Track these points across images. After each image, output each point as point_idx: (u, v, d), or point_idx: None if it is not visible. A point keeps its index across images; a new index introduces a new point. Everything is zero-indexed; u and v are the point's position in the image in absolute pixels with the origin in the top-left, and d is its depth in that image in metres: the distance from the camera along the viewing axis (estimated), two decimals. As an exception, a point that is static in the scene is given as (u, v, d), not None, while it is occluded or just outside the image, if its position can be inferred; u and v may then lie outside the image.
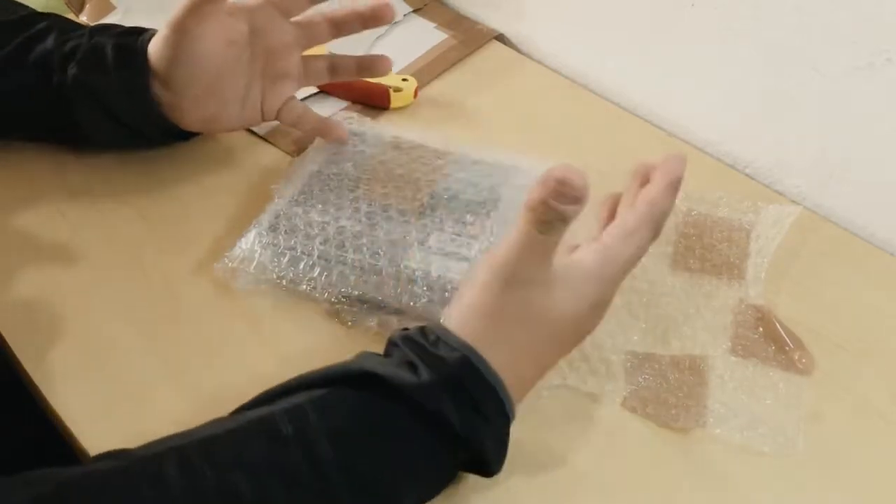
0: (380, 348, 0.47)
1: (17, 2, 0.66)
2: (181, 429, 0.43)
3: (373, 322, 0.55)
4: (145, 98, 0.58)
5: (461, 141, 0.65)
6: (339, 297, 0.56)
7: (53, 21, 0.62)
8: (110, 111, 0.59)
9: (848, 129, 0.61)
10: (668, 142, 0.71)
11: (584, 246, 0.48)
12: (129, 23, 0.62)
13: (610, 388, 0.52)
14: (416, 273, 0.55)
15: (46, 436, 0.51)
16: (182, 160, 0.66)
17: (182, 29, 0.56)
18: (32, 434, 0.54)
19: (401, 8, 0.82)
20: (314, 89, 0.73)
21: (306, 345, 0.55)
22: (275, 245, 0.57)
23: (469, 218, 0.58)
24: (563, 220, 0.42)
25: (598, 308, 0.48)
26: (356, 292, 0.55)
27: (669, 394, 0.52)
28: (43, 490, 0.38)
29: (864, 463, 0.50)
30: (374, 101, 0.72)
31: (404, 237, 0.57)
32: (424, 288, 0.54)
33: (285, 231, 0.58)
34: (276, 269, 0.56)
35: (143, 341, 0.55)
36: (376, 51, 0.75)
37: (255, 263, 0.56)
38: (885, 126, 0.59)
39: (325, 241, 0.57)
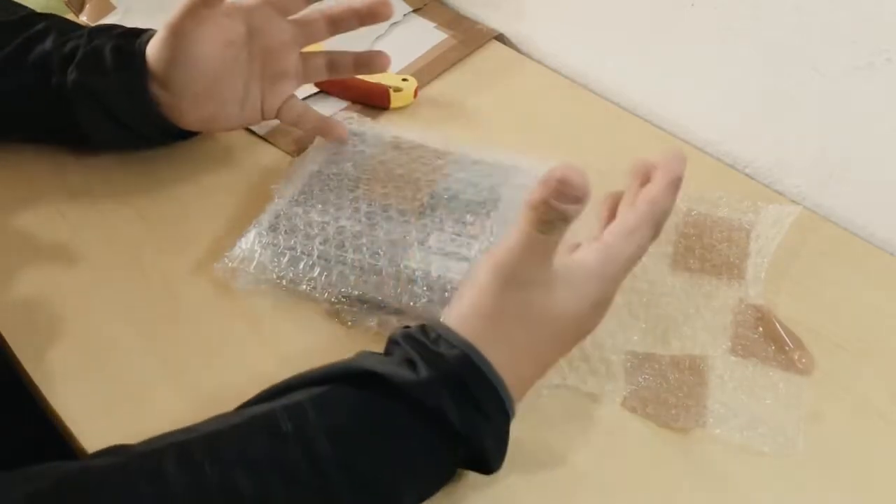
0: (380, 348, 0.47)
1: (16, 2, 0.66)
2: (181, 429, 0.43)
3: (373, 322, 0.55)
4: (144, 99, 0.58)
5: (461, 141, 0.65)
6: (339, 297, 0.56)
7: (53, 22, 0.62)
8: (110, 112, 0.59)
9: (848, 129, 0.61)
10: (668, 142, 0.71)
11: (585, 245, 0.48)
12: (128, 23, 0.62)
13: (610, 388, 0.52)
14: (416, 273, 0.55)
15: (46, 436, 0.51)
16: (182, 160, 0.66)
17: (179, 31, 0.56)
18: (32, 434, 0.54)
19: (401, 8, 0.82)
20: (314, 89, 0.73)
21: (306, 345, 0.55)
22: (275, 245, 0.57)
23: (469, 218, 0.58)
24: (565, 220, 0.42)
25: (599, 307, 0.48)
26: (356, 292, 0.55)
27: (669, 394, 0.52)
28: (41, 486, 0.38)
29: (864, 463, 0.50)
30: (374, 101, 0.72)
31: (404, 237, 0.57)
32: (424, 288, 0.54)
33: (285, 231, 0.58)
34: (276, 269, 0.56)
35: (143, 341, 0.55)
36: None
37: (254, 263, 0.56)
38: (885, 126, 0.59)
39: (325, 241, 0.57)
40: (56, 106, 0.59)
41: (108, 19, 0.79)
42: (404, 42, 0.79)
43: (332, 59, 0.64)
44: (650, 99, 0.73)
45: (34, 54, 0.59)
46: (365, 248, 0.56)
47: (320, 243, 0.57)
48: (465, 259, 0.55)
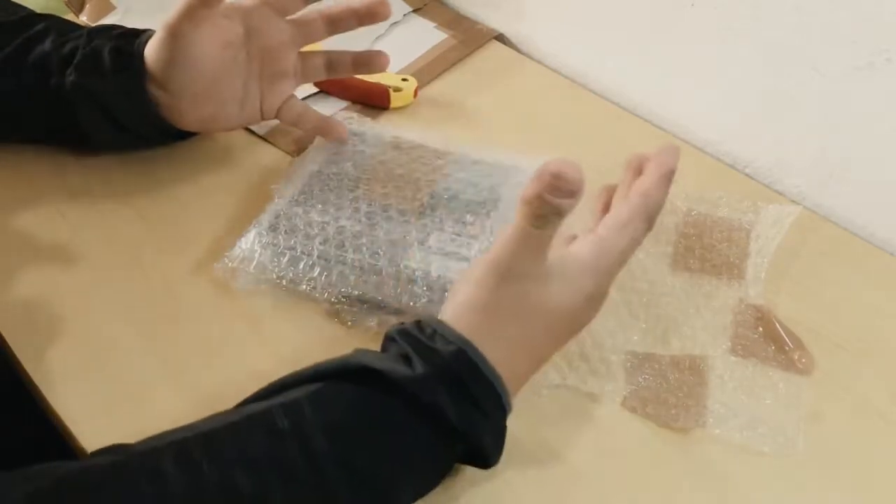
0: (379, 348, 0.47)
1: (16, 3, 0.66)
2: (181, 429, 0.43)
3: (373, 322, 0.55)
4: (142, 99, 0.58)
5: (461, 141, 0.65)
6: (339, 297, 0.56)
7: (52, 22, 0.62)
8: (108, 113, 0.59)
9: (848, 129, 0.61)
10: (668, 141, 0.70)
11: (579, 238, 0.48)
12: (128, 23, 0.62)
13: (610, 388, 0.52)
14: (416, 273, 0.55)
15: (46, 436, 0.51)
16: (182, 160, 0.66)
17: (177, 32, 0.56)
18: (32, 434, 0.54)
19: (401, 8, 0.82)
20: (314, 89, 0.73)
21: (306, 345, 0.55)
22: (275, 245, 0.57)
23: (469, 218, 0.58)
24: (559, 214, 0.42)
25: (594, 301, 0.48)
26: (356, 292, 0.55)
27: (669, 394, 0.52)
28: (41, 485, 0.38)
29: (864, 463, 0.50)
30: (374, 101, 0.72)
31: (404, 237, 0.57)
32: (424, 288, 0.54)
33: (285, 231, 0.58)
34: (276, 269, 0.56)
35: (143, 341, 0.55)
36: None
37: (254, 263, 0.56)
38: (885, 126, 0.59)
39: (324, 241, 0.57)
40: (56, 106, 0.59)
41: (108, 19, 0.79)
42: (404, 42, 0.79)
43: (331, 59, 0.64)
44: (650, 99, 0.73)
45: (34, 55, 0.59)
46: (365, 248, 0.56)
47: (320, 243, 0.57)
48: (465, 259, 0.55)
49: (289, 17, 0.61)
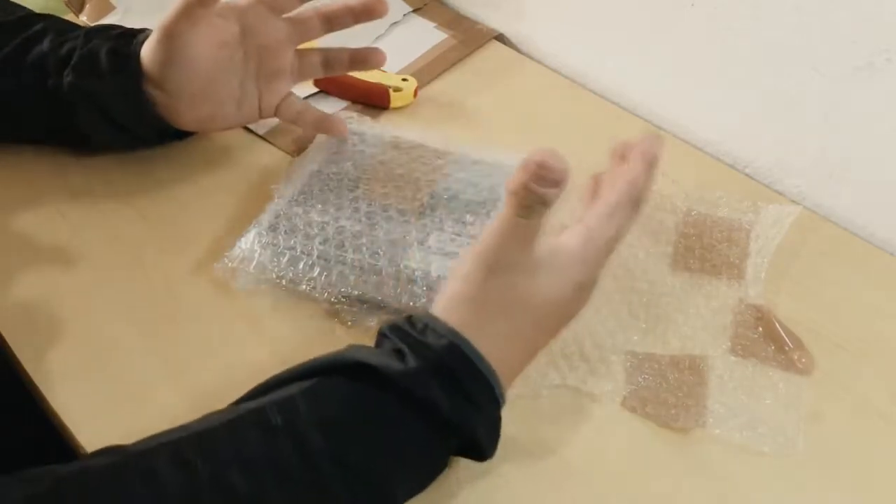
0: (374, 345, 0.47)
1: (15, 3, 0.66)
2: (181, 429, 0.43)
3: (373, 322, 0.55)
4: (139, 100, 0.58)
5: (461, 141, 0.65)
6: (339, 296, 0.56)
7: (50, 22, 0.62)
8: (106, 113, 0.59)
9: (848, 129, 0.61)
10: (668, 141, 0.70)
11: (568, 229, 0.48)
12: (128, 23, 0.62)
13: (610, 388, 0.52)
14: (416, 273, 0.55)
15: (46, 435, 0.51)
16: (182, 161, 0.66)
17: (173, 33, 0.56)
18: (32, 434, 0.54)
19: (401, 8, 0.82)
20: (314, 89, 0.73)
21: (306, 345, 0.55)
22: (274, 245, 0.57)
23: (469, 218, 0.58)
24: (544, 204, 0.42)
25: (583, 290, 0.48)
26: (356, 292, 0.55)
27: (669, 394, 0.52)
28: (40, 488, 0.38)
29: (864, 463, 0.50)
30: (374, 101, 0.72)
31: (404, 237, 0.57)
32: (424, 288, 0.54)
33: (285, 231, 0.58)
34: (276, 269, 0.56)
35: (144, 341, 0.55)
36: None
37: (254, 263, 0.56)
38: (885, 126, 0.59)
39: (324, 241, 0.57)
40: (55, 107, 0.59)
41: (108, 19, 0.79)
42: (404, 42, 0.79)
43: (328, 56, 0.64)
44: (650, 99, 0.73)
45: (32, 55, 0.59)
46: (365, 248, 0.56)
47: (320, 243, 0.57)
48: (465, 259, 0.55)
49: (285, 16, 0.61)
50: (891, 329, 0.56)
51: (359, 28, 0.62)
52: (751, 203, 0.63)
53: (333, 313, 0.56)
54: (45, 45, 0.59)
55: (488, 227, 0.45)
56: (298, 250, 0.57)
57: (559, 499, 0.48)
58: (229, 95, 0.60)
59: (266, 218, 0.59)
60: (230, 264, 0.57)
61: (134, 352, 0.54)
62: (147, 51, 0.57)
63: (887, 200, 0.62)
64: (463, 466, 0.48)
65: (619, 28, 0.73)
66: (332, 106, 0.72)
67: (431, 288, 0.54)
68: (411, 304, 0.54)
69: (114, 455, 0.41)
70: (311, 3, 0.61)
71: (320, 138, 0.66)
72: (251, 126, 0.69)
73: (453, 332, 0.44)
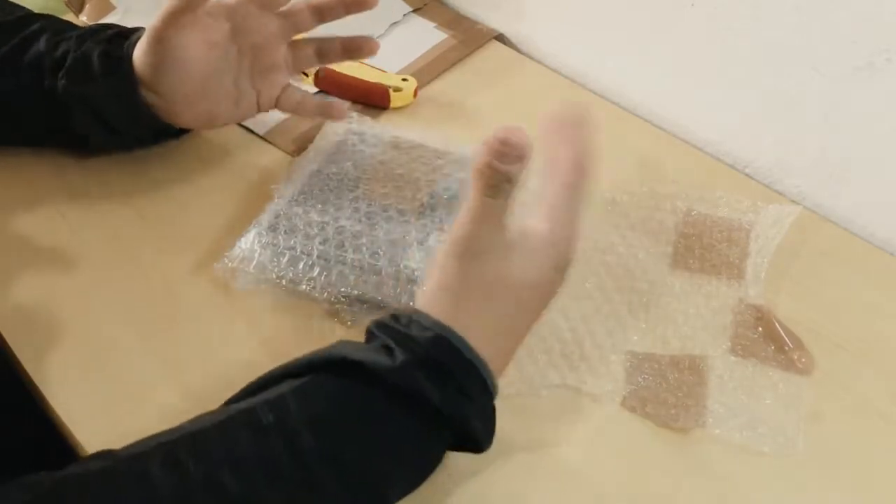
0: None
1: (13, 3, 0.66)
2: (180, 429, 0.43)
3: (372, 322, 0.55)
4: (134, 102, 0.58)
5: (461, 141, 0.65)
6: (339, 296, 0.56)
7: (47, 22, 0.62)
8: (100, 116, 0.59)
9: (848, 129, 0.61)
10: (668, 141, 0.71)
11: (533, 214, 0.47)
12: (128, 23, 0.62)
13: (610, 388, 0.52)
14: (416, 273, 0.55)
15: (46, 436, 0.51)
16: (181, 161, 0.66)
17: (163, 37, 0.56)
18: (32, 434, 0.54)
19: (401, 8, 0.82)
20: (314, 89, 0.73)
21: (306, 345, 0.54)
22: (274, 245, 0.57)
23: (469, 218, 0.58)
24: (510, 181, 0.43)
25: (559, 271, 0.47)
26: (356, 292, 0.55)
27: (669, 393, 0.52)
28: (39, 492, 0.38)
29: (864, 463, 0.50)
30: (374, 101, 0.72)
31: (404, 237, 0.57)
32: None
33: (285, 231, 0.58)
34: (276, 269, 0.56)
35: (143, 341, 0.55)
36: (376, 50, 0.75)
37: (254, 263, 0.56)
38: (885, 126, 0.59)
39: (324, 241, 0.57)
40: (52, 107, 0.59)
41: (108, 19, 0.79)
42: (404, 42, 0.79)
43: (322, 47, 0.63)
44: (650, 99, 0.73)
45: (29, 55, 0.59)
46: (365, 248, 0.56)
47: (320, 243, 0.57)
48: (465, 259, 0.55)
49: (275, 11, 0.61)
50: (891, 329, 0.56)
51: (358, 28, 0.62)
52: (751, 203, 0.63)
53: (333, 313, 0.56)
54: (42, 45, 0.59)
55: (458, 215, 0.45)
56: (298, 250, 0.57)
57: (559, 499, 0.48)
58: (225, 94, 0.60)
59: (266, 218, 0.59)
60: (230, 264, 0.57)
61: (133, 352, 0.54)
62: (138, 55, 0.57)
63: (887, 200, 0.62)
64: (462, 466, 0.48)
65: (619, 28, 0.73)
66: (331, 106, 0.72)
67: (431, 288, 0.54)
68: (411, 304, 0.54)
69: (107, 459, 0.41)
70: None
71: (320, 138, 0.66)
72: (251, 126, 0.69)
73: (438, 324, 0.44)
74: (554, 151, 0.48)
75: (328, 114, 0.64)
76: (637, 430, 0.51)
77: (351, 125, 0.66)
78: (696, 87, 0.70)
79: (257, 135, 0.69)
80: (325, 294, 0.56)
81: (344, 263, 0.56)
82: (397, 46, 0.77)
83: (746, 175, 0.68)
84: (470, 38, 0.80)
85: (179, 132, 0.64)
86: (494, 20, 0.81)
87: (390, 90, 0.71)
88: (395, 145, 0.65)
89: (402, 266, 0.55)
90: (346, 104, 0.65)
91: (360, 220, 0.58)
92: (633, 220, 0.62)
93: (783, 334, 0.55)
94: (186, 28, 0.56)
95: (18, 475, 0.39)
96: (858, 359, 0.55)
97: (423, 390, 0.42)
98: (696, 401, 0.52)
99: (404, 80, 0.72)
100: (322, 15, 0.61)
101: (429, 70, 0.76)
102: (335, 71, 0.72)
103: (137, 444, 0.42)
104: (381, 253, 0.56)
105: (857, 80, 0.59)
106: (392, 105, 0.72)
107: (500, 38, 0.81)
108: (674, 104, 0.71)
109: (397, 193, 0.60)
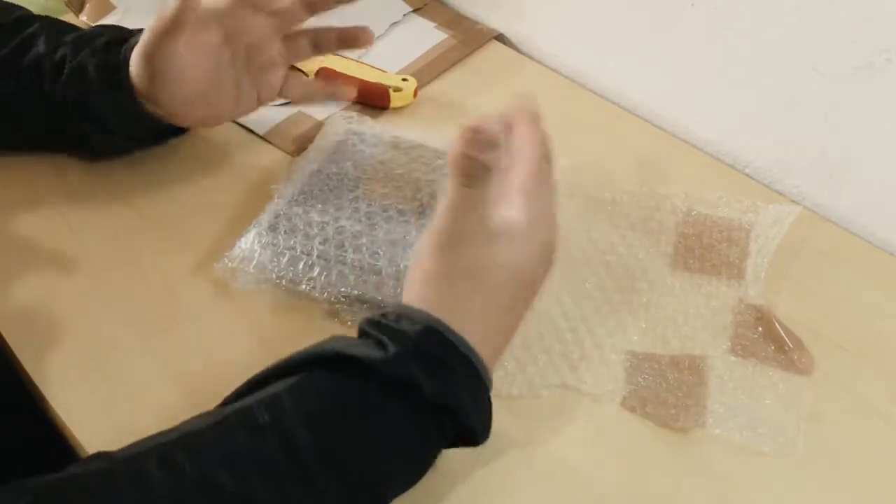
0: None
1: (11, 3, 0.66)
2: (180, 429, 0.43)
3: (372, 322, 0.55)
4: (134, 111, 0.58)
5: (461, 141, 0.65)
6: (339, 296, 0.56)
7: (45, 23, 0.62)
8: (99, 121, 0.59)
9: (848, 129, 0.61)
10: (668, 142, 0.71)
11: (506, 203, 0.47)
12: (128, 23, 0.62)
13: (610, 387, 0.52)
14: (416, 273, 0.55)
15: (46, 436, 0.51)
16: (182, 161, 0.66)
17: (154, 52, 0.55)
18: (32, 434, 0.54)
19: (401, 8, 0.82)
20: (314, 89, 0.73)
21: (306, 345, 0.54)
22: (274, 245, 0.57)
23: (469, 218, 0.58)
24: (485, 169, 0.44)
25: (544, 255, 0.47)
26: (356, 292, 0.55)
27: (669, 393, 0.52)
28: (38, 494, 0.38)
29: (864, 463, 0.50)
30: (374, 101, 0.72)
31: (404, 237, 0.57)
32: (424, 288, 0.54)
33: (285, 231, 0.58)
34: (276, 269, 0.56)
35: (143, 341, 0.55)
36: (376, 50, 0.75)
37: (254, 263, 0.56)
38: (885, 126, 0.59)
39: (324, 241, 0.57)
40: (52, 108, 0.59)
41: (108, 19, 0.79)
42: (404, 42, 0.79)
43: (317, 38, 0.63)
44: (650, 99, 0.73)
45: (29, 56, 0.59)
46: (365, 248, 0.56)
47: (320, 243, 0.57)
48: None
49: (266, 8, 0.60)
50: (891, 329, 0.56)
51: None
52: (751, 203, 0.63)
53: (333, 313, 0.56)
54: (41, 47, 0.59)
55: (438, 208, 0.46)
56: (298, 250, 0.57)
57: (559, 499, 0.48)
58: (225, 95, 0.60)
59: (266, 218, 0.59)
60: (230, 264, 0.57)
61: (133, 352, 0.54)
62: (133, 67, 0.57)
63: (887, 200, 0.62)
64: (462, 465, 0.48)
65: (619, 28, 0.73)
66: (332, 106, 0.72)
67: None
68: (411, 303, 0.54)
69: (104, 460, 0.41)
70: None
71: (320, 138, 0.66)
72: (251, 126, 0.69)
73: (426, 316, 0.44)
74: (517, 143, 0.49)
75: (334, 96, 0.65)
76: (637, 430, 0.51)
77: (351, 125, 0.67)
78: (696, 87, 0.70)
79: (257, 135, 0.69)
80: (325, 294, 0.56)
81: (344, 263, 0.56)
82: (397, 46, 0.77)
83: (746, 175, 0.68)
84: (470, 38, 0.80)
85: (180, 130, 0.64)
86: (494, 20, 0.81)
87: (390, 90, 0.71)
88: (395, 145, 0.65)
89: (402, 266, 0.55)
90: (353, 89, 0.65)
91: (360, 220, 0.58)
92: (633, 220, 0.62)
93: (783, 334, 0.55)
94: (178, 40, 0.55)
95: (18, 475, 0.39)
96: (858, 359, 0.55)
97: (414, 379, 0.42)
98: (696, 401, 0.52)
99: (404, 80, 0.73)
100: (313, 7, 0.61)
101: (429, 70, 0.76)
102: (335, 71, 0.72)
103: (135, 446, 0.42)
104: (381, 253, 0.56)
105: (857, 80, 0.59)
106: (392, 105, 0.72)
107: (500, 38, 0.81)
108: (674, 104, 0.71)
109: (397, 193, 0.60)
